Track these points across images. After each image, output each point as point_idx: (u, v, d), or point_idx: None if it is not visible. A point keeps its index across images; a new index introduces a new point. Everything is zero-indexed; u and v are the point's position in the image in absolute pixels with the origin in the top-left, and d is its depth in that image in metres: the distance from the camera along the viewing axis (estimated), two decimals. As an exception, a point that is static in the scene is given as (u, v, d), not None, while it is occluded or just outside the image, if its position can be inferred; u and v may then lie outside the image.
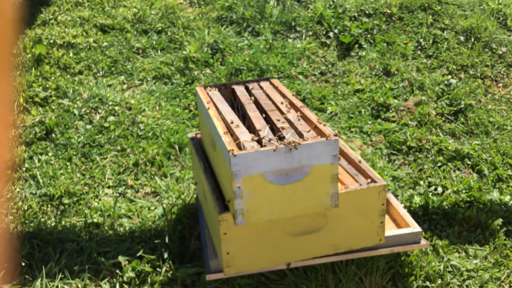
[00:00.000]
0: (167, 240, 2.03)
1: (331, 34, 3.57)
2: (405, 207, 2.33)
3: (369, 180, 1.73)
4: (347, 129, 2.85)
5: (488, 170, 2.57)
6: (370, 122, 2.88)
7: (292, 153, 1.47)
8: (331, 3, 3.83)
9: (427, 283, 1.96)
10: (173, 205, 2.24)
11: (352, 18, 3.71)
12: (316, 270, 1.96)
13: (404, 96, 3.08)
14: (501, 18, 3.78)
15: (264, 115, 1.73)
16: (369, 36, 3.57)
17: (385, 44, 3.50)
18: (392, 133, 2.78)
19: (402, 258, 2.02)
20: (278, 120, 1.67)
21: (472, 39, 3.56)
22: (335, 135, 1.51)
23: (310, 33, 3.61)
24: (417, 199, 2.36)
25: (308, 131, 1.56)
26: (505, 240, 2.16)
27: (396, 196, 2.40)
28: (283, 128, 1.59)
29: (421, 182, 2.50)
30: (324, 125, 1.60)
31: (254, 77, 3.14)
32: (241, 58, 3.27)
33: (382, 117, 2.93)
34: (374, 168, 2.53)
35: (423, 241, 1.89)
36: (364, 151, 2.67)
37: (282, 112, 1.74)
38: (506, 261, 2.08)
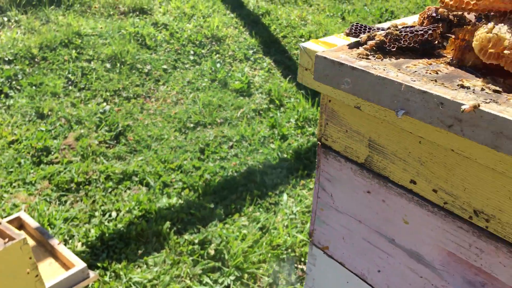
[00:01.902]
0: None
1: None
2: (83, 244, 2.31)
3: (6, 240, 1.62)
4: (8, 185, 2.64)
5: (153, 180, 2.76)
6: (32, 171, 2.74)
7: None
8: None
9: (115, 310, 1.98)
10: None
11: (-9, 68, 3.46)
12: None
13: (63, 134, 3.04)
14: (140, 40, 4.12)
15: None
16: (14, 82, 3.39)
17: (33, 87, 3.38)
18: (57, 175, 2.71)
19: (85, 297, 1.99)
20: None
21: (118, 64, 3.76)
22: None
23: None
24: (93, 232, 2.36)
25: None
26: (176, 239, 2.36)
27: (72, 236, 2.35)
28: None
29: (96, 213, 2.51)
30: None
31: None
32: None
33: (45, 161, 2.82)
34: (43, 216, 2.42)
35: (92, 274, 1.90)
36: (30, 203, 2.53)
37: None
38: (181, 257, 2.28)
